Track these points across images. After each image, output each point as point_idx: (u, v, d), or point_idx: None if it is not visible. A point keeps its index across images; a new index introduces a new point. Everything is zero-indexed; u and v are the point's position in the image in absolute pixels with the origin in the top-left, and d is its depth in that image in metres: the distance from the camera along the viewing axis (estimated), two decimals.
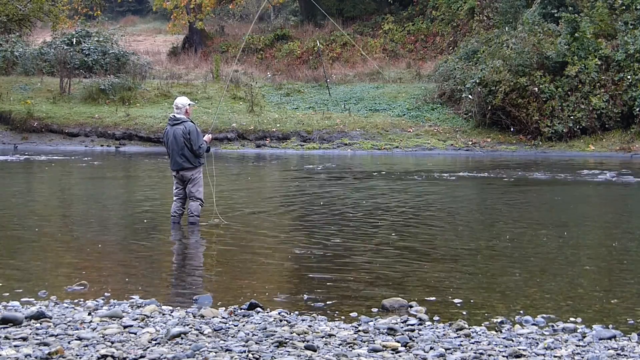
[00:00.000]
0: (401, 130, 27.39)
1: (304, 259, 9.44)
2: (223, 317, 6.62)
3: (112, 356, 5.32)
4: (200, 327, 6.22)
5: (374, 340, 5.94)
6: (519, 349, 5.71)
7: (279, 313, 6.78)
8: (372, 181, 18.09)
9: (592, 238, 11.28)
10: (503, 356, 5.60)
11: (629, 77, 25.41)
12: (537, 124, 25.82)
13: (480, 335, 6.18)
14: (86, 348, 5.54)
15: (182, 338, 5.86)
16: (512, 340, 6.04)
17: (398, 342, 5.90)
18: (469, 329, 6.34)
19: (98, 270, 8.84)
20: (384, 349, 5.73)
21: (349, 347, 5.80)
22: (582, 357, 5.60)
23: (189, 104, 11.33)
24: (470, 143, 26.25)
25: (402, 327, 6.35)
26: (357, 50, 35.73)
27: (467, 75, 28.05)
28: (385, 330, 6.25)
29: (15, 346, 5.53)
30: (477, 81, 26.77)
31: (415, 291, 7.76)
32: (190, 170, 11.23)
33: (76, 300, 7.23)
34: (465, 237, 11.09)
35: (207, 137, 11.51)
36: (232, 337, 5.96)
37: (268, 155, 25.29)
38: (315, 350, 5.61)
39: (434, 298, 7.50)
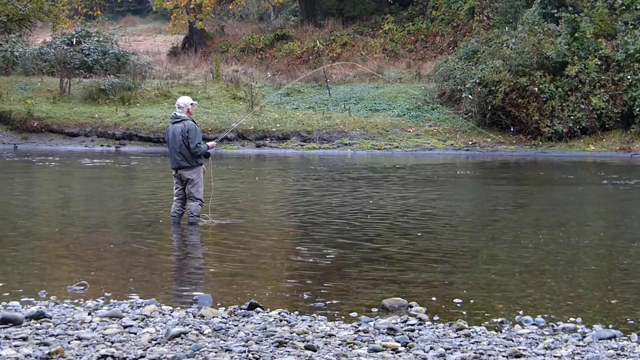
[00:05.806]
0: (401, 130, 27.38)
1: (305, 259, 9.43)
2: (223, 317, 6.62)
3: (112, 356, 5.33)
4: (200, 327, 6.22)
5: (374, 340, 5.94)
6: (519, 349, 5.72)
7: (279, 313, 6.78)
8: (373, 181, 18.08)
9: (592, 238, 11.28)
10: (503, 356, 5.60)
11: (629, 77, 25.40)
12: (537, 124, 25.79)
13: (480, 335, 6.18)
14: (86, 348, 5.54)
15: (182, 338, 5.86)
16: (512, 340, 6.04)
17: (398, 342, 5.90)
18: (469, 329, 6.34)
19: (98, 270, 8.83)
20: (384, 349, 5.73)
21: (349, 347, 5.80)
22: (582, 357, 5.60)
23: (191, 104, 11.36)
24: (470, 143, 26.24)
25: (402, 327, 6.35)
26: (358, 50, 35.66)
27: (467, 75, 28.02)
28: (385, 330, 6.25)
29: (15, 346, 5.53)
30: (477, 81, 26.75)
31: (415, 291, 7.76)
32: (188, 169, 11.23)
33: (76, 300, 7.23)
34: (465, 238, 11.09)
35: (211, 143, 11.55)
36: (232, 337, 5.97)
37: (268, 155, 25.29)
38: (315, 350, 5.61)
39: (434, 298, 7.50)
